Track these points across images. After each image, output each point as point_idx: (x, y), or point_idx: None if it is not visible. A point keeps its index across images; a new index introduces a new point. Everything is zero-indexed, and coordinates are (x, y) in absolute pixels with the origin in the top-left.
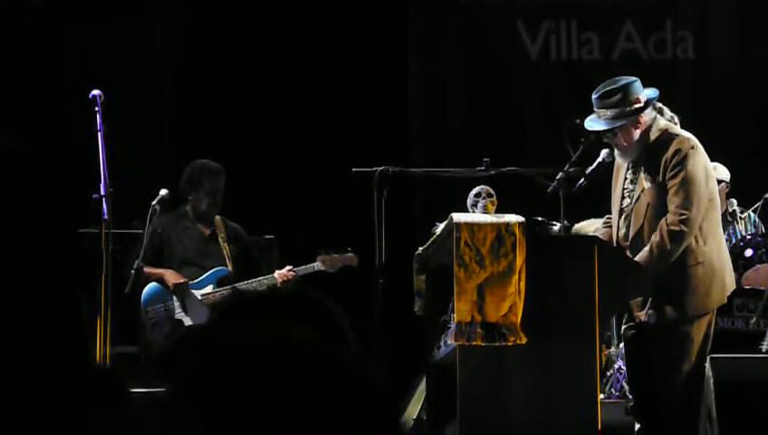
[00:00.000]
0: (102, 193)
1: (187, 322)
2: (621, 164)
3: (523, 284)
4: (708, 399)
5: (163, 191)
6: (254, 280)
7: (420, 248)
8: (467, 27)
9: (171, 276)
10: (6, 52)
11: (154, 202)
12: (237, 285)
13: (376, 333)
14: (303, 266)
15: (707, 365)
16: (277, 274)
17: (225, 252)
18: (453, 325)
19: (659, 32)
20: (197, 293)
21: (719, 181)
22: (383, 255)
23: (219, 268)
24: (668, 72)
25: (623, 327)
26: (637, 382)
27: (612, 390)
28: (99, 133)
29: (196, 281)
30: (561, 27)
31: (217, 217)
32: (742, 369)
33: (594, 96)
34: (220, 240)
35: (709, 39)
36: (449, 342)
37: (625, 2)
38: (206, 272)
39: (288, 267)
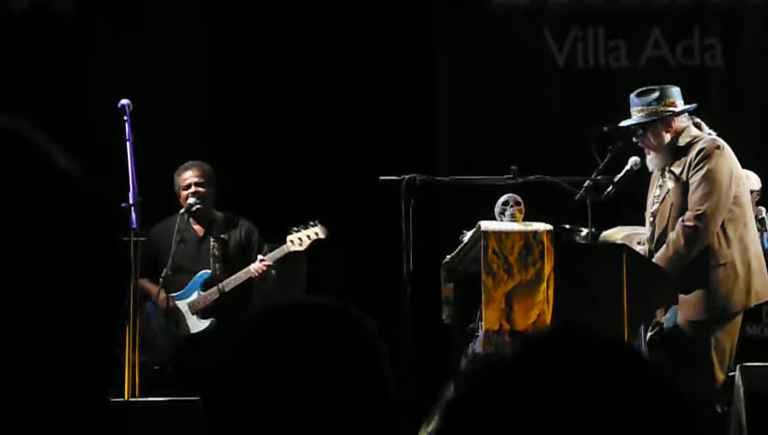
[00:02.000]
0: (131, 202)
1: (181, 333)
2: (655, 175)
3: (551, 292)
4: (738, 407)
5: (191, 200)
6: (231, 278)
7: (448, 257)
8: (495, 35)
9: (156, 295)
10: (36, 60)
11: (182, 211)
12: (221, 285)
13: (404, 342)
14: (274, 252)
15: (737, 374)
16: (252, 268)
17: (211, 251)
18: (481, 334)
19: (687, 39)
20: (185, 302)
21: (750, 191)
22: (411, 263)
23: (201, 272)
24: (697, 79)
25: (649, 333)
26: None
27: None
28: (128, 142)
29: (182, 291)
30: (589, 34)
31: (220, 213)
32: None
33: (632, 95)
34: (211, 240)
35: (737, 46)
36: (477, 350)
37: (652, 9)
38: (193, 278)
39: (260, 258)
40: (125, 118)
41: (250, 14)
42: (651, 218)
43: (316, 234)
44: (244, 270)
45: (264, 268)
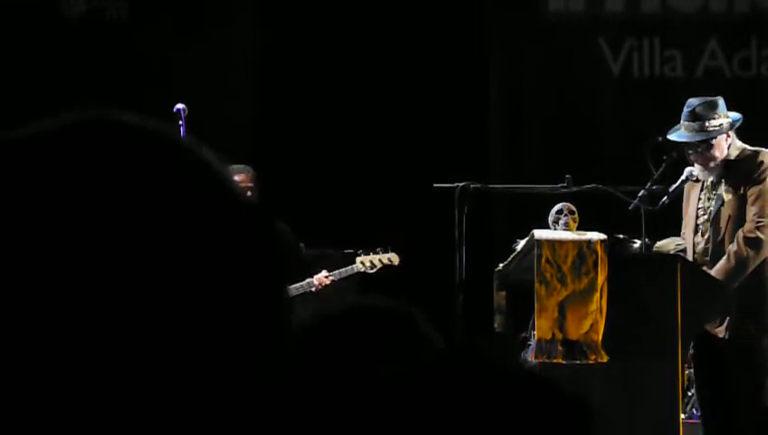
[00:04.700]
0: None
1: None
2: (692, 187)
3: (604, 301)
4: None
5: None
6: (291, 287)
7: (501, 265)
8: (550, 44)
9: None
10: (91, 63)
11: None
12: None
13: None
14: (342, 269)
15: None
16: (315, 279)
17: None
18: (533, 342)
19: (744, 49)
20: None
21: None
22: (463, 271)
23: None
24: (753, 90)
25: (691, 350)
26: (710, 400)
27: (694, 410)
28: None
29: None
30: (644, 44)
31: None
32: None
33: (688, 109)
34: None
35: None
36: (529, 359)
37: (709, 19)
38: None
39: (324, 272)
40: (180, 122)
41: (303, 18)
42: (698, 231)
43: (389, 260)
44: (306, 281)
45: (329, 282)
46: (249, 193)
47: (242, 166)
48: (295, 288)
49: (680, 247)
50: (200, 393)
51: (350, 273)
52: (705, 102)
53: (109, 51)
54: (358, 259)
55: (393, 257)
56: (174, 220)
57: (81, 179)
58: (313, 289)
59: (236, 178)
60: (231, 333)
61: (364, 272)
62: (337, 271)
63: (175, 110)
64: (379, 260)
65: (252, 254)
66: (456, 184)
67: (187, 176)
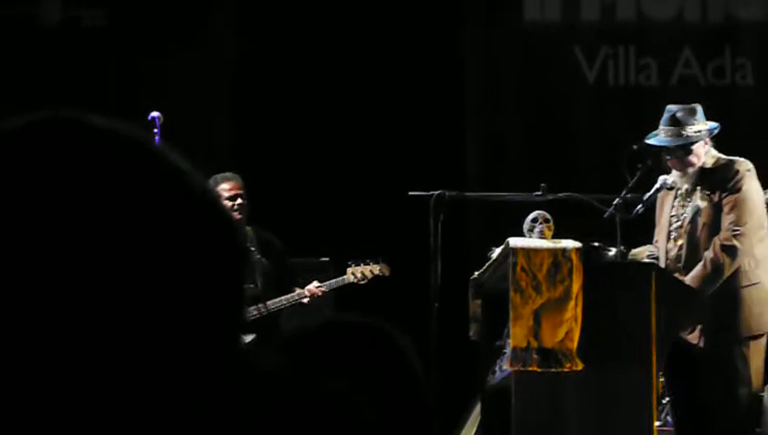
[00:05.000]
0: None
1: None
2: (666, 195)
3: (579, 309)
4: (766, 430)
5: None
6: (282, 298)
7: (476, 273)
8: (526, 52)
9: None
10: (66, 70)
11: None
12: (268, 303)
13: (431, 358)
14: (333, 280)
15: (765, 395)
16: (307, 290)
17: (255, 266)
18: (508, 350)
19: (718, 58)
20: None
21: None
22: (438, 279)
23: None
24: (727, 99)
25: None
26: (684, 407)
27: (668, 417)
28: None
29: None
30: (620, 52)
31: (248, 227)
32: None
33: (668, 114)
34: (256, 255)
35: None
36: (505, 367)
37: (684, 28)
38: None
39: (315, 283)
40: (155, 130)
41: (279, 27)
42: (671, 238)
43: (381, 271)
44: (297, 292)
45: (320, 293)
46: (239, 200)
47: (230, 174)
48: (287, 299)
49: (653, 255)
50: (154, 397)
51: (340, 284)
52: (686, 109)
53: (85, 59)
54: (349, 270)
55: (384, 268)
56: (135, 220)
57: (44, 178)
58: (305, 300)
59: (225, 185)
60: (186, 339)
61: (356, 283)
62: (328, 282)
63: (150, 118)
64: (370, 271)
65: (212, 256)
66: (431, 192)
67: (152, 178)
